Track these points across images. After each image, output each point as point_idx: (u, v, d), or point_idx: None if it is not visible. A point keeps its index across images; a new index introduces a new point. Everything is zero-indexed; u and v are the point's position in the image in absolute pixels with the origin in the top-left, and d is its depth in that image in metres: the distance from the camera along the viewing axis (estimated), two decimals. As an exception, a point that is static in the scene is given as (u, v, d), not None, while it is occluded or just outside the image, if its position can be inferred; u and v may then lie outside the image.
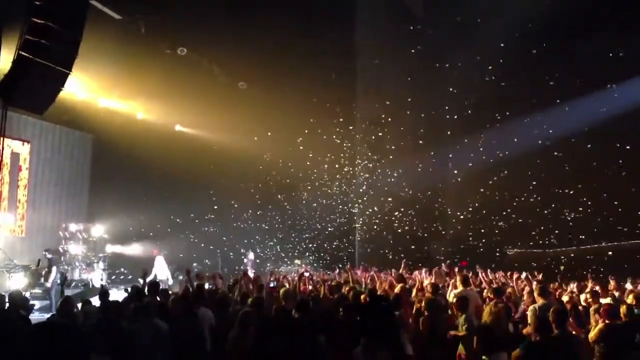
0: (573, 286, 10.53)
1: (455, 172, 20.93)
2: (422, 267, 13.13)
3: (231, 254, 21.04)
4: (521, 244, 19.42)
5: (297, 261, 21.77)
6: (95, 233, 19.10)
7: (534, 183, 18.38)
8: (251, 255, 20.38)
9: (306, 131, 20.40)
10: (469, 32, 18.37)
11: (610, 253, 16.98)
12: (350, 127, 21.98)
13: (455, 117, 19.94)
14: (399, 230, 20.90)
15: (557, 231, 18.06)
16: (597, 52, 16.12)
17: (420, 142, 20.77)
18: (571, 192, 17.60)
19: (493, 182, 19.31)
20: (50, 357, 4.62)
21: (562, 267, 16.63)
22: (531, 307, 7.04)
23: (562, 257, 18.08)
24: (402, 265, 11.10)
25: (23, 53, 7.51)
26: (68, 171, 20.50)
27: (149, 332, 5.90)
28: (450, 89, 19.87)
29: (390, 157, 21.28)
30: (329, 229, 22.25)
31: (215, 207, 21.08)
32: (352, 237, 22.59)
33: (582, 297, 8.60)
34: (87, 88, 17.73)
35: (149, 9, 15.89)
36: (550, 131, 17.87)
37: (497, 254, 19.10)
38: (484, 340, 4.85)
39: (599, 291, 8.66)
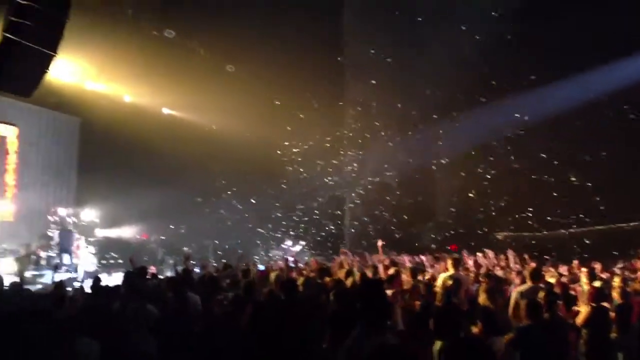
0: (563, 269, 10.61)
1: (445, 154, 20.92)
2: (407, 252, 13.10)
3: (216, 241, 20.98)
4: (511, 227, 19.47)
5: (285, 245, 21.79)
6: (84, 217, 18.98)
7: (525, 165, 18.38)
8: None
9: (293, 113, 20.32)
10: (456, 12, 18.25)
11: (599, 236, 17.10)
12: (338, 106, 21.92)
13: (444, 98, 19.84)
14: (387, 214, 20.90)
15: (547, 214, 18.11)
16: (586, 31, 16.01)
17: (409, 123, 20.70)
18: (562, 174, 17.54)
19: (482, 164, 19.33)
20: (31, 343, 4.58)
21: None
22: (515, 291, 7.06)
23: (552, 240, 18.16)
24: (380, 248, 10.84)
25: (7, 35, 7.37)
26: (56, 155, 20.35)
27: (139, 316, 5.90)
28: (438, 71, 19.74)
29: (378, 139, 21.21)
30: (318, 213, 22.23)
31: (205, 190, 20.99)
32: (341, 222, 22.61)
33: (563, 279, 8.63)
34: (73, 70, 17.52)
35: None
36: (549, 106, 17.71)
37: (487, 238, 19.16)
38: (486, 323, 4.86)
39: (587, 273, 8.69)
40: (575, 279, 8.55)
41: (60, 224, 17.13)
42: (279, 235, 22.25)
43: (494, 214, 19.32)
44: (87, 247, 17.86)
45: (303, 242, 21.05)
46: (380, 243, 10.59)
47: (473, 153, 19.52)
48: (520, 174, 18.26)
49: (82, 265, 16.56)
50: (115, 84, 19.10)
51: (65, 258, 16.28)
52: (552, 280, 8.21)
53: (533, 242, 18.04)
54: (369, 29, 19.59)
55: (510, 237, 19.07)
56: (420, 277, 8.03)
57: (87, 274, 15.85)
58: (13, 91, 9.61)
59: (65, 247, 16.27)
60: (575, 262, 11.43)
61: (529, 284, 7.02)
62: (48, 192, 19.74)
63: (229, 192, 21.66)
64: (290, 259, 10.51)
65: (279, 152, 21.03)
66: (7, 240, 16.61)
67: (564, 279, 8.62)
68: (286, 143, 20.95)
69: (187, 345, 5.94)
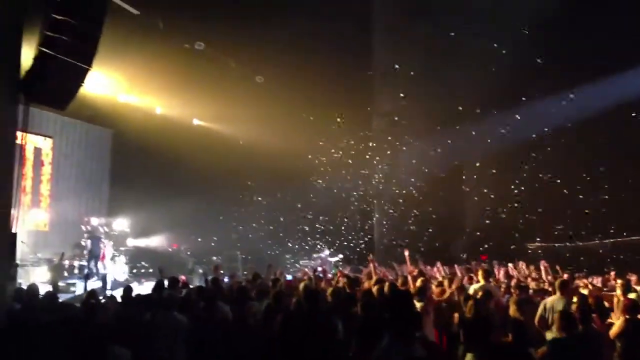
0: (597, 281, 10.40)
1: (474, 164, 20.71)
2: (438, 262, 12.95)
3: (244, 255, 21.07)
4: (543, 237, 19.10)
5: (315, 255, 21.74)
6: (116, 227, 19.31)
7: (557, 175, 18.03)
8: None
9: (322, 124, 20.36)
10: (487, 16, 18.08)
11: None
12: (366, 117, 21.94)
13: (473, 108, 19.64)
14: (414, 227, 20.71)
15: (579, 224, 17.70)
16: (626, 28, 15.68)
17: (437, 135, 20.50)
18: (595, 180, 17.11)
19: (513, 174, 19.04)
20: (65, 350, 4.68)
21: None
22: (542, 303, 6.95)
23: (585, 252, 17.74)
24: (407, 258, 10.78)
25: (44, 49, 7.55)
26: (89, 166, 20.77)
27: (168, 325, 5.97)
28: (467, 82, 19.55)
29: (407, 149, 21.10)
30: (346, 224, 22.16)
31: (234, 201, 21.13)
32: (368, 233, 22.48)
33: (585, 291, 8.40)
34: (107, 84, 17.86)
35: (166, 4, 15.95)
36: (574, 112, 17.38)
37: (518, 249, 18.82)
38: (516, 335, 4.79)
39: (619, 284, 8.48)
40: (610, 291, 8.37)
41: (90, 233, 17.41)
42: (307, 247, 22.21)
43: (520, 223, 18.99)
44: (118, 256, 18.08)
45: (341, 255, 20.98)
46: (407, 252, 10.55)
47: (503, 163, 19.28)
48: (552, 184, 17.94)
49: (110, 273, 16.79)
50: (147, 96, 19.40)
51: (94, 265, 16.55)
52: (586, 292, 8.06)
53: (568, 254, 17.64)
54: (398, 41, 19.58)
55: (542, 248, 18.73)
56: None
57: (117, 283, 16.08)
58: (48, 104, 9.82)
59: (94, 253, 16.50)
60: (612, 273, 11.22)
61: (557, 295, 6.92)
62: (81, 202, 20.12)
63: (258, 199, 21.77)
64: (319, 268, 10.49)
65: (308, 162, 21.03)
66: (41, 249, 16.97)
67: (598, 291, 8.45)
68: (309, 156, 20.94)
69: (216, 354, 5.98)
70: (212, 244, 20.94)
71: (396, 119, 21.13)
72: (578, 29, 16.40)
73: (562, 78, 17.37)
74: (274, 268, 11.51)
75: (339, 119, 19.98)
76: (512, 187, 18.85)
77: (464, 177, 21.82)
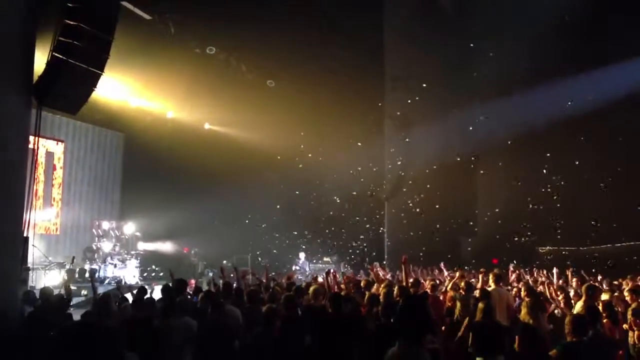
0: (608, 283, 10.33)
1: (486, 167, 20.66)
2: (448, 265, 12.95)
3: (258, 253, 21.09)
4: (554, 241, 18.94)
5: (326, 259, 21.70)
6: (127, 231, 19.41)
7: (567, 174, 17.94)
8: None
9: (333, 127, 20.39)
10: (499, 22, 18.04)
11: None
12: (378, 119, 21.97)
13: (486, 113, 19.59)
14: (426, 227, 20.62)
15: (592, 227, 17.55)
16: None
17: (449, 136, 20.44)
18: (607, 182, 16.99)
19: (523, 175, 18.97)
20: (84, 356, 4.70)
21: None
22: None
23: (596, 255, 17.58)
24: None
25: (56, 54, 7.62)
26: (101, 170, 20.91)
27: (180, 330, 5.98)
28: (479, 87, 19.46)
29: (419, 151, 21.04)
30: (357, 226, 22.11)
31: (245, 204, 21.16)
32: (381, 236, 22.42)
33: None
34: (118, 88, 17.97)
35: (178, 9, 16.04)
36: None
37: (529, 252, 18.71)
38: (528, 340, 4.78)
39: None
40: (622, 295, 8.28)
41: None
42: (321, 250, 22.19)
43: (536, 227, 18.87)
44: (129, 259, 18.08)
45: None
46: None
47: (514, 163, 19.24)
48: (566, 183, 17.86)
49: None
50: (158, 100, 19.48)
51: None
52: (606, 296, 7.98)
53: (591, 258, 17.44)
54: (411, 40, 19.59)
55: (553, 251, 18.61)
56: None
57: (127, 286, 16.08)
58: (61, 108, 9.90)
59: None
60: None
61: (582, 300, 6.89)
62: (93, 206, 20.28)
63: (269, 202, 21.74)
64: (332, 271, 10.45)
65: (319, 166, 21.03)
66: (53, 252, 17.10)
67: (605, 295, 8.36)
68: (320, 159, 20.93)
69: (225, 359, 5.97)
70: (223, 247, 20.96)
71: (406, 120, 21.12)
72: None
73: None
74: (289, 271, 11.46)
75: (356, 119, 19.98)
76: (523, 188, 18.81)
77: (476, 180, 21.72)
